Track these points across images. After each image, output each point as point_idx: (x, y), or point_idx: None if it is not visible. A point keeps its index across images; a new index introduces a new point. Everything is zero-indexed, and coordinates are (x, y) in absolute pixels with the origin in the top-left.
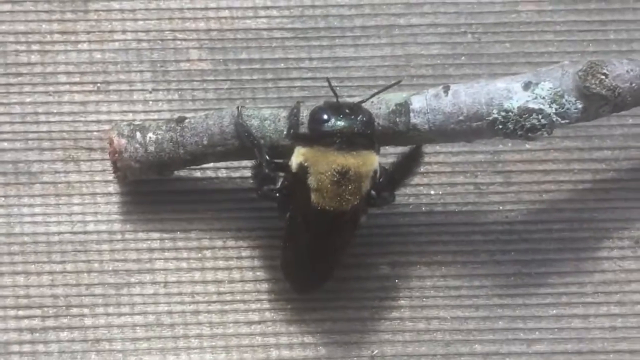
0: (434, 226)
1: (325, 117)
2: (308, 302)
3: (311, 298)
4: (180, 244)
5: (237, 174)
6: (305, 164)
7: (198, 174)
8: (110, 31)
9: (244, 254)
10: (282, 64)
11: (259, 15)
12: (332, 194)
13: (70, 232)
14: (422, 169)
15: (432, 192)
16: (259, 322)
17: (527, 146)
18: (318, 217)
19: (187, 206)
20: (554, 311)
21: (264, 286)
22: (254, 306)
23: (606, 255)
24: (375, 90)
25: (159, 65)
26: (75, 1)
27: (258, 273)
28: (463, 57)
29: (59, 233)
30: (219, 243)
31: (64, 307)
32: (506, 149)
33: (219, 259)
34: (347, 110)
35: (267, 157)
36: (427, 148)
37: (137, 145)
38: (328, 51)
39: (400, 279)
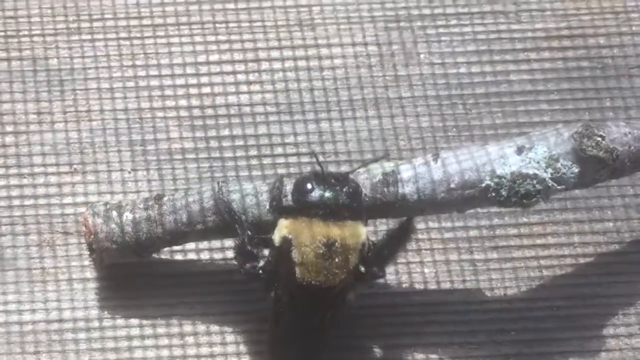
0: (429, 306)
1: (310, 187)
2: None
3: None
4: (161, 330)
5: (219, 256)
6: (289, 237)
7: (179, 256)
8: (87, 111)
9: (228, 339)
10: (266, 140)
11: (241, 90)
12: (318, 268)
13: (45, 321)
14: (414, 246)
15: (426, 270)
16: None
17: (524, 219)
18: (304, 293)
19: (168, 290)
20: None
21: None
22: None
23: (612, 332)
24: (362, 163)
25: (138, 144)
26: (51, 81)
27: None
28: (454, 129)
29: (33, 322)
30: (202, 328)
31: None
32: (502, 223)
33: (202, 345)
34: (332, 181)
35: (249, 233)
36: (419, 224)
37: (113, 226)
38: (313, 125)
39: None
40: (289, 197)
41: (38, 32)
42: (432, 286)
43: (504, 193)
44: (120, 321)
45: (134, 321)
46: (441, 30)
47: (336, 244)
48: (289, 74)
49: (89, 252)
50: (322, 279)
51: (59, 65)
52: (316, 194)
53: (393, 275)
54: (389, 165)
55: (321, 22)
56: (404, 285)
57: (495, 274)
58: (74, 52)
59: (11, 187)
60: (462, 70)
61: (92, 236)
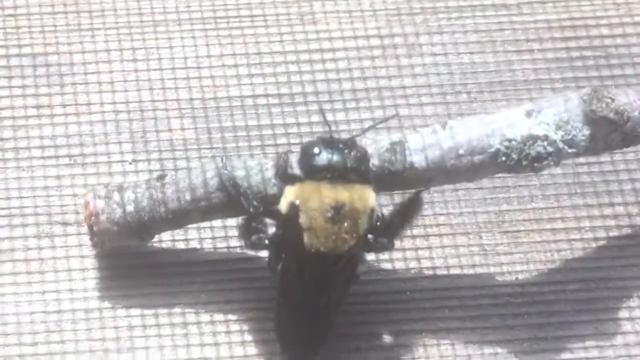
0: (439, 291)
1: (317, 150)
2: None
3: None
4: (163, 319)
5: (223, 244)
6: (296, 202)
7: (182, 245)
8: (87, 104)
9: (232, 328)
10: (269, 130)
11: (242, 82)
12: (327, 233)
13: (43, 312)
14: (422, 232)
15: (435, 255)
16: None
17: (533, 205)
18: (313, 262)
19: (171, 279)
20: None
21: None
22: None
23: (627, 315)
24: (369, 126)
25: (139, 136)
26: (50, 76)
27: (248, 348)
28: (458, 117)
29: (31, 313)
30: (206, 317)
31: None
32: (511, 209)
33: (205, 334)
34: (340, 145)
35: (255, 203)
36: (426, 210)
37: (115, 206)
38: (316, 116)
39: (404, 349)
40: (295, 170)
41: (38, 28)
42: (442, 272)
43: (514, 156)
44: (121, 311)
45: (136, 311)
46: (443, 22)
47: (345, 207)
48: (291, 67)
49: (89, 236)
50: (330, 245)
51: (59, 60)
52: (324, 157)
53: (402, 261)
54: (396, 135)
55: (322, 16)
56: (412, 271)
57: (505, 258)
58: (74, 48)
59: (9, 180)
60: (465, 60)
61: (93, 217)
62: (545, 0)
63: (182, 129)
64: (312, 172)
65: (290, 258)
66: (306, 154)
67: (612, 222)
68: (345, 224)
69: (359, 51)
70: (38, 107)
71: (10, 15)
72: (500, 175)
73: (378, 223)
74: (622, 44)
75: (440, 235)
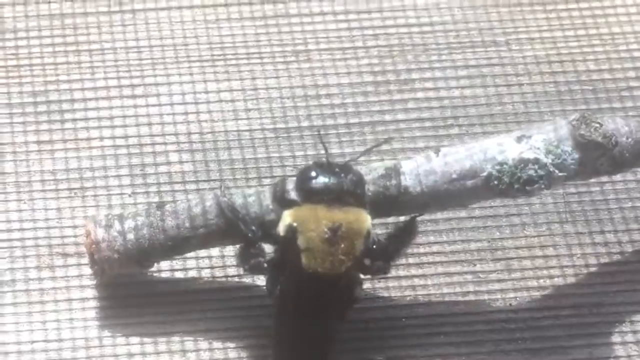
0: (434, 317)
1: (314, 174)
2: None
3: None
4: (162, 347)
5: (221, 273)
6: (294, 224)
7: (180, 274)
8: (87, 139)
9: (231, 355)
10: (266, 163)
11: (239, 117)
12: (324, 254)
13: (44, 341)
14: (416, 260)
15: (429, 283)
16: None
17: (525, 232)
18: (310, 284)
19: (170, 308)
20: None
21: None
22: None
23: (620, 340)
24: (364, 150)
25: (138, 169)
26: (51, 112)
27: None
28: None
29: (32, 342)
30: (204, 345)
31: None
32: (503, 236)
33: None
34: (336, 169)
35: (254, 228)
36: (419, 239)
37: (116, 234)
38: (312, 149)
39: None
40: (292, 195)
41: (39, 66)
42: (437, 299)
43: (506, 180)
44: (120, 339)
45: (135, 339)
46: (434, 58)
47: (341, 228)
48: (286, 102)
49: (90, 264)
50: (328, 266)
51: (59, 97)
52: (320, 180)
53: (397, 289)
54: (390, 161)
55: (317, 53)
56: (408, 299)
57: (498, 285)
58: (74, 85)
59: (10, 212)
60: (456, 94)
61: (94, 246)
62: (533, 37)
63: (181, 162)
64: (309, 196)
65: (288, 280)
66: (303, 177)
67: (602, 250)
68: (342, 245)
69: (352, 87)
70: (39, 142)
71: (12, 55)
72: (492, 204)
73: (374, 246)
74: (609, 78)
75: (434, 263)
